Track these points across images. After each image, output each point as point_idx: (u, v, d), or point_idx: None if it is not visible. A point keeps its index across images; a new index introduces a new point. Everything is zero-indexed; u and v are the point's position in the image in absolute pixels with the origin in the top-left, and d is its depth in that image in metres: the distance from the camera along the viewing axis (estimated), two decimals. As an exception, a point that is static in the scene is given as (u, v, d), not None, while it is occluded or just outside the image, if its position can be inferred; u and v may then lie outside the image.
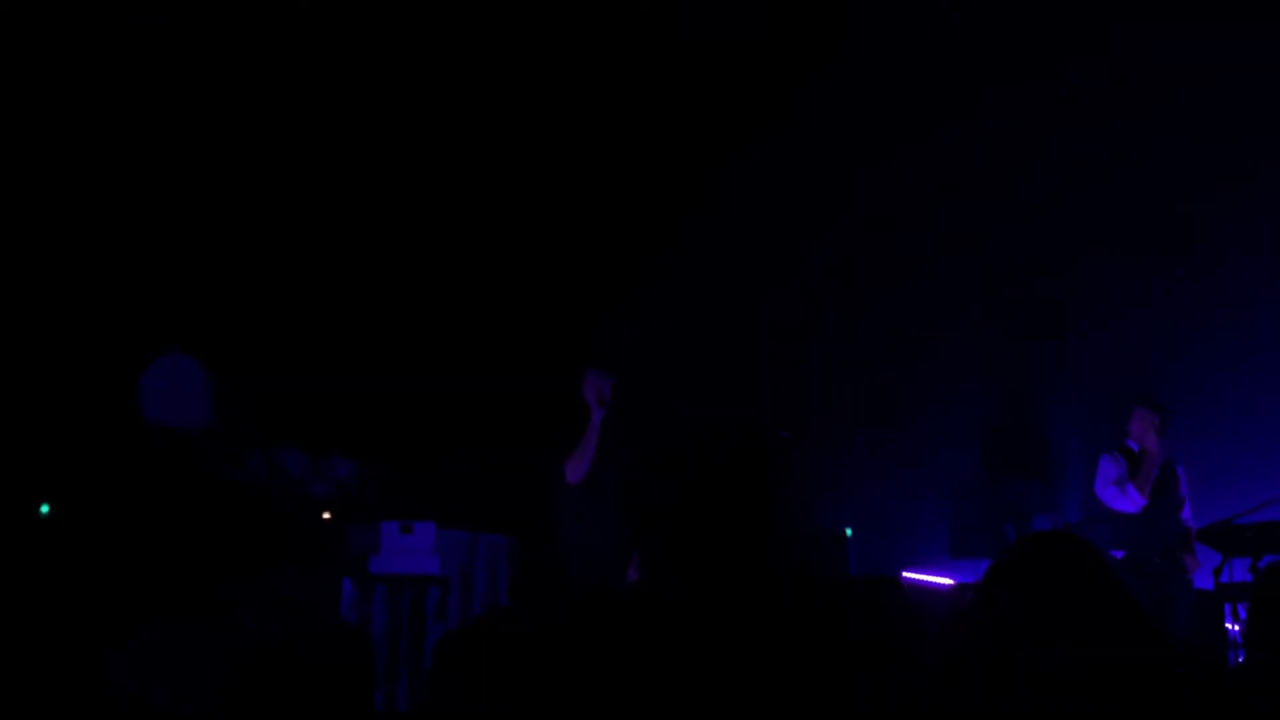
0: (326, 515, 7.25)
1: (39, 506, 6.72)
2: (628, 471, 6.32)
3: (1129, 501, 7.05)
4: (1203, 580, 7.19)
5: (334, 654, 2.89)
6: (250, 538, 7.66)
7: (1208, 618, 6.89)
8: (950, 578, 8.88)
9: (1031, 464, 9.68)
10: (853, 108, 9.39)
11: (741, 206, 9.67)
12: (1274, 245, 9.18)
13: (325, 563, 6.41)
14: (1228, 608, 6.93)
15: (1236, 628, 6.85)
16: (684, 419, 2.45)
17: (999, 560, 2.09)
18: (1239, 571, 6.94)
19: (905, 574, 8.80)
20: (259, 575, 6.38)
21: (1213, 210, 9.22)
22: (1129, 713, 1.88)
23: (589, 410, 6.69)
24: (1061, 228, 9.51)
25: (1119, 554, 7.11)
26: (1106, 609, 1.96)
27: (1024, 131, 9.38)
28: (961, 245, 9.74)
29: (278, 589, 6.34)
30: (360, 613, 6.34)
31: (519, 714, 2.61)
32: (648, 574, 2.31)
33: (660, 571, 2.29)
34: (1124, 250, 9.42)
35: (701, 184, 9.43)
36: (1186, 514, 7.22)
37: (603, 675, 2.20)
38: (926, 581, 8.83)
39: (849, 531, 8.53)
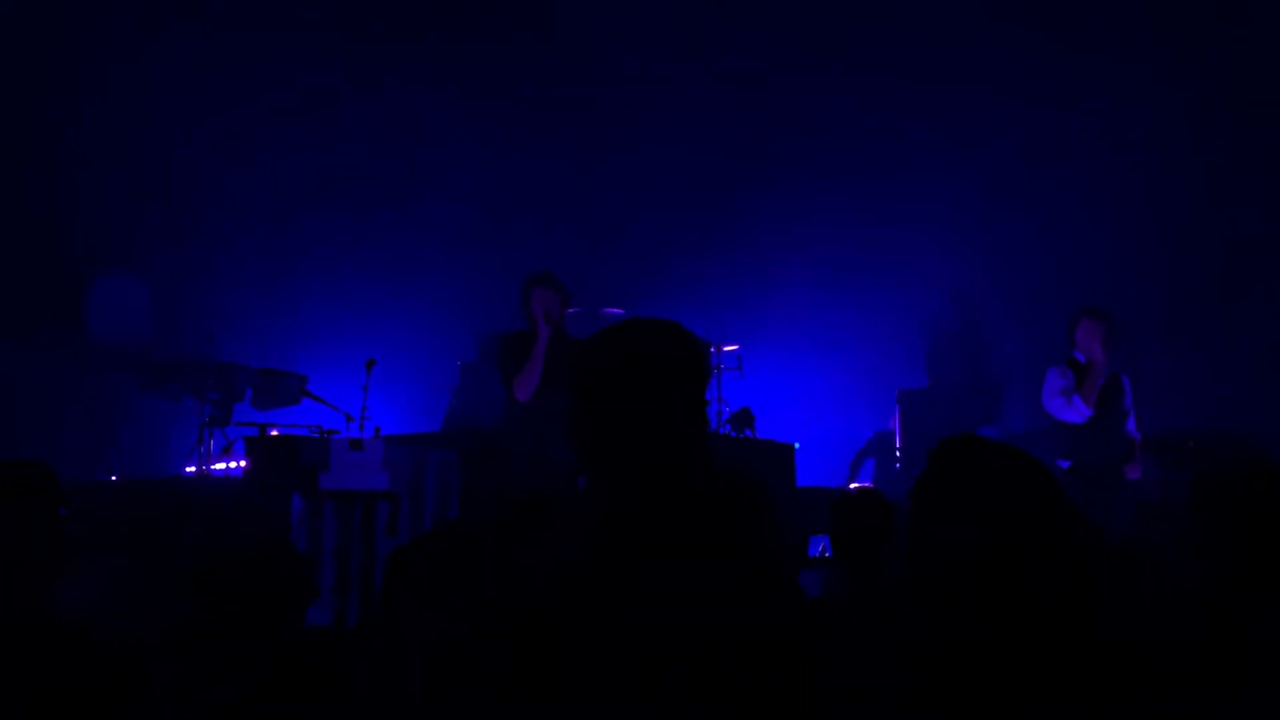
0: (275, 431, 7.20)
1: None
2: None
3: (1075, 412, 7.12)
4: (1146, 489, 7.30)
5: (267, 569, 2.88)
6: (192, 453, 7.61)
7: (1151, 525, 7.00)
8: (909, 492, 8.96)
9: (977, 374, 9.77)
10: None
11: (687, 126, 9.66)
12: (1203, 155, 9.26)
13: (274, 479, 6.36)
14: (1171, 515, 7.04)
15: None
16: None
17: (925, 468, 2.11)
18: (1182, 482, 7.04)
19: (852, 486, 8.89)
20: (200, 491, 6.35)
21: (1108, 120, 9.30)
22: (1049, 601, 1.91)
23: (536, 327, 6.66)
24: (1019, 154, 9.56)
25: (1065, 464, 7.20)
26: (1024, 503, 2.00)
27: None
28: (907, 173, 9.76)
29: (222, 505, 6.32)
30: (310, 528, 6.30)
31: (467, 626, 2.61)
32: (588, 468, 2.30)
33: (599, 462, 2.28)
34: (1058, 172, 9.47)
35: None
36: (1131, 425, 7.31)
37: (547, 578, 2.19)
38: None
39: (796, 445, 8.57)
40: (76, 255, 8.67)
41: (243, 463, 6.85)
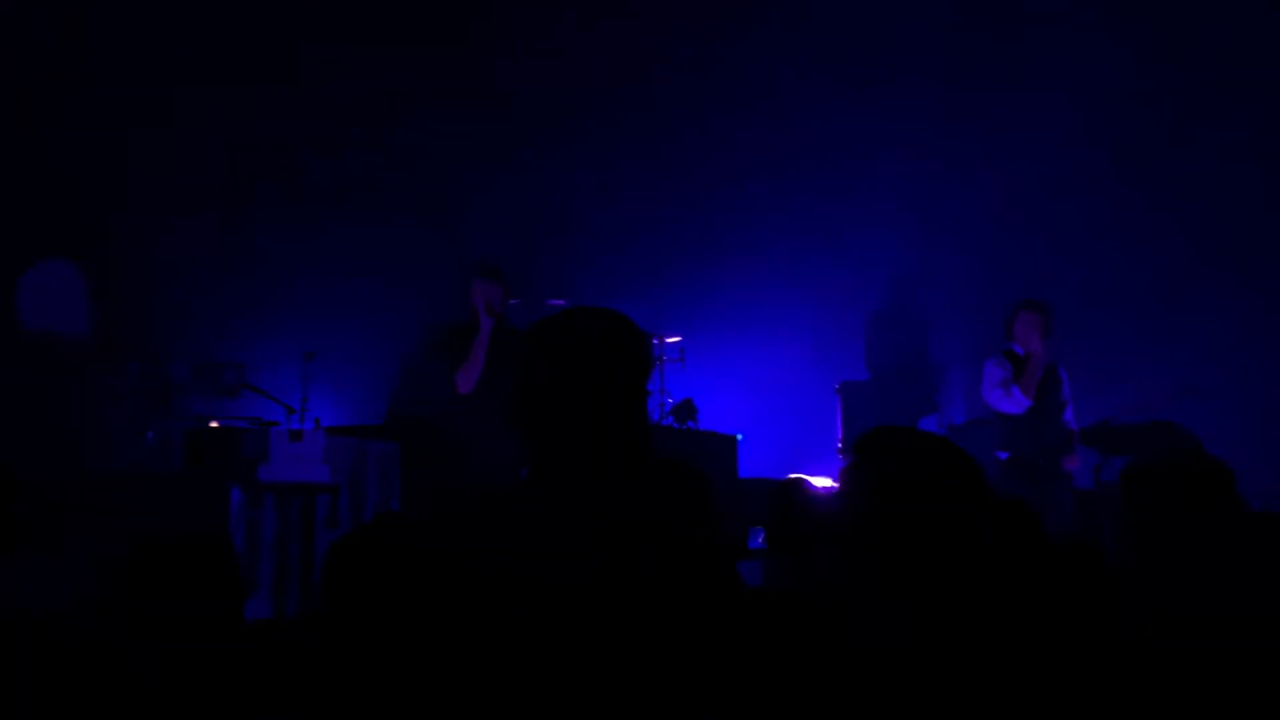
0: (214, 424, 7.14)
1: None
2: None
3: (1013, 403, 7.19)
4: (1083, 480, 7.39)
5: (198, 566, 2.85)
6: (130, 445, 7.51)
7: (1088, 515, 7.10)
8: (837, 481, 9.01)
9: (917, 367, 9.85)
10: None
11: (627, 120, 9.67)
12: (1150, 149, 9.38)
13: (212, 470, 6.31)
14: (1107, 505, 7.13)
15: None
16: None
17: (851, 456, 2.15)
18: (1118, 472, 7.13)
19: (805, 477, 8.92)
20: (140, 483, 6.27)
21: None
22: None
23: (478, 319, 6.64)
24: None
25: (1004, 455, 7.27)
26: (946, 491, 2.03)
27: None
28: (849, 164, 9.81)
29: (160, 497, 6.24)
30: (249, 522, 6.26)
31: (410, 618, 2.59)
32: (530, 458, 2.30)
33: (540, 452, 2.28)
34: (1000, 163, 9.56)
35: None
36: (1069, 415, 7.39)
37: (490, 570, 2.18)
38: (825, 488, 8.97)
39: (739, 436, 8.61)
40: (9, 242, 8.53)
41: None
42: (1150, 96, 9.22)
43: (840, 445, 9.42)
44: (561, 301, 8.44)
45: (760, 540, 7.08)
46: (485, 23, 9.69)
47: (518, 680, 2.04)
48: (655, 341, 8.56)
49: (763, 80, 9.77)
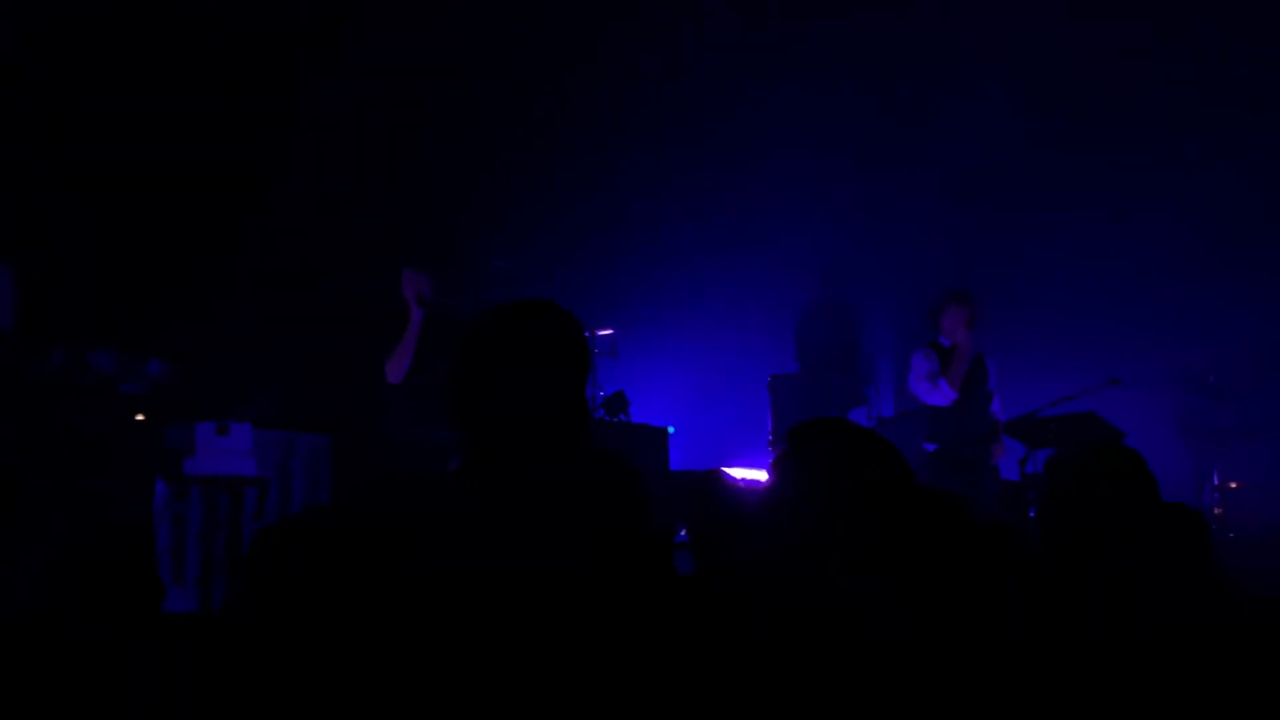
0: (140, 416, 7.04)
1: None
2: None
3: (941, 395, 7.26)
4: (1009, 471, 7.48)
5: (118, 559, 2.82)
6: (53, 438, 7.39)
7: (1013, 505, 7.19)
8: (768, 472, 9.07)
9: (846, 359, 9.92)
10: None
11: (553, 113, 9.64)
12: (1075, 153, 9.51)
13: (137, 464, 6.22)
14: (1031, 495, 7.23)
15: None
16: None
17: (781, 447, 2.18)
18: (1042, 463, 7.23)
19: (725, 469, 8.96)
20: (64, 477, 6.18)
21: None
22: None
23: (409, 309, 6.60)
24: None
25: (931, 446, 7.34)
26: (874, 480, 2.06)
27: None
28: (779, 156, 9.85)
29: (85, 491, 6.16)
30: (175, 515, 6.19)
31: (333, 607, 2.58)
32: (469, 452, 2.30)
33: (478, 442, 2.27)
34: (925, 155, 9.64)
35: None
36: (995, 407, 7.48)
37: (419, 565, 2.18)
38: (745, 479, 9.02)
39: (671, 429, 8.63)
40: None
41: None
42: (1081, 89, 9.34)
43: (770, 438, 9.47)
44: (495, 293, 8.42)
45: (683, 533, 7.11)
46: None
47: (447, 671, 2.04)
48: (587, 334, 8.54)
49: (691, 74, 9.78)
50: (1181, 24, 9.01)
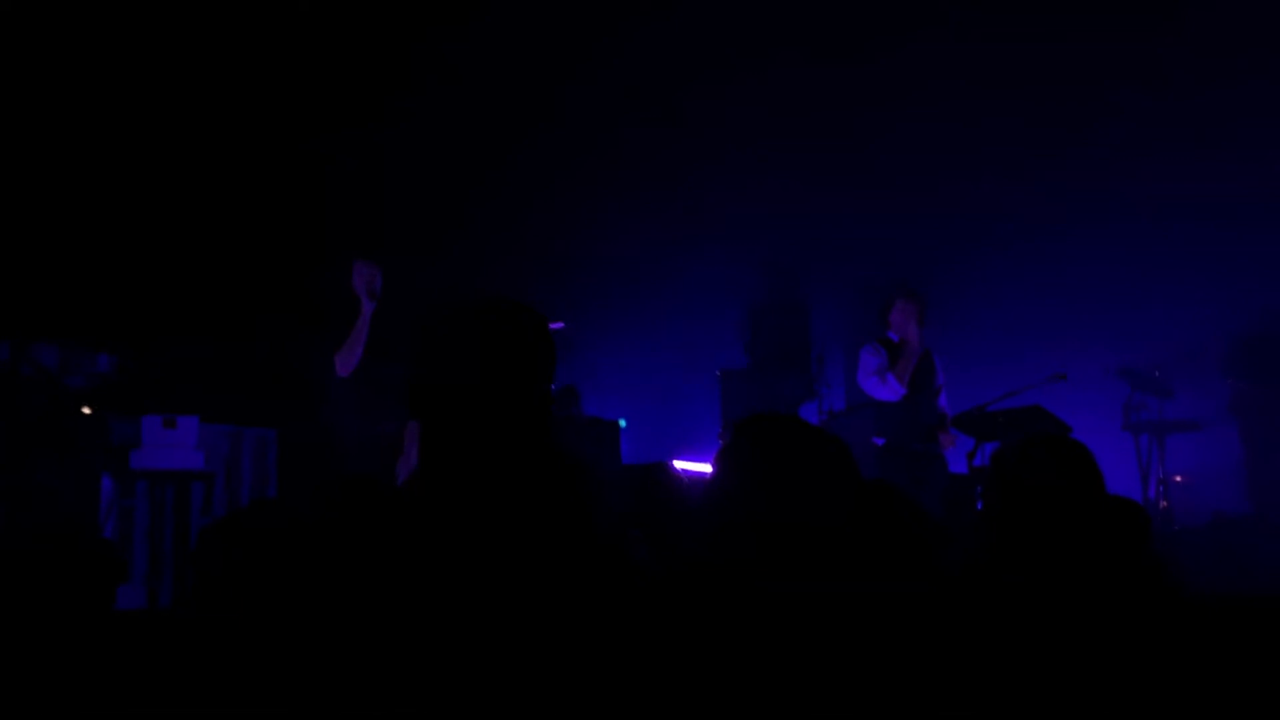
0: (86, 410, 6.96)
1: None
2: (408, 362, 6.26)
3: (889, 390, 7.31)
4: (958, 464, 7.54)
5: (69, 557, 2.80)
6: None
7: (962, 498, 7.24)
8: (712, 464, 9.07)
9: (797, 354, 9.95)
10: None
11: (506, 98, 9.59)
12: (1025, 143, 9.58)
13: (83, 458, 6.16)
14: (979, 489, 7.29)
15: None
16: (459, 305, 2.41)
17: (725, 443, 2.20)
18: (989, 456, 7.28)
19: (675, 462, 8.97)
20: (7, 470, 6.11)
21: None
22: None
23: (359, 302, 6.56)
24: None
25: (880, 441, 7.38)
26: (816, 475, 2.08)
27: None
28: (730, 147, 9.86)
29: (30, 485, 6.09)
30: (121, 509, 6.13)
31: (282, 605, 2.57)
32: (426, 453, 2.29)
33: (438, 450, 2.27)
34: (875, 148, 9.68)
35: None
36: (943, 401, 7.53)
37: (371, 564, 2.17)
38: (693, 471, 9.05)
39: (622, 422, 8.63)
40: None
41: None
42: (1031, 90, 9.42)
43: (720, 431, 9.49)
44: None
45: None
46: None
47: (391, 666, 2.04)
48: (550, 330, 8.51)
49: (645, 70, 9.77)
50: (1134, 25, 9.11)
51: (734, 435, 2.19)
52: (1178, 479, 9.68)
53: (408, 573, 2.10)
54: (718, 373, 9.61)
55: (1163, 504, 8.92)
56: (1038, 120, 9.48)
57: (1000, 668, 1.95)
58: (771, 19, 9.42)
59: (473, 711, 1.98)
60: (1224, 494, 9.57)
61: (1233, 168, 9.17)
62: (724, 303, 10.02)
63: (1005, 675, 1.95)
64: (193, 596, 2.86)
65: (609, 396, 9.56)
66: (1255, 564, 7.55)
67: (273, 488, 6.85)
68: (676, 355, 9.94)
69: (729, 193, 9.84)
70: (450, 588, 2.06)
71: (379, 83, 9.01)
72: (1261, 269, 9.40)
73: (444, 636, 2.01)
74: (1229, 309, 9.37)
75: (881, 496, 2.25)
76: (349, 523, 2.92)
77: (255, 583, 2.68)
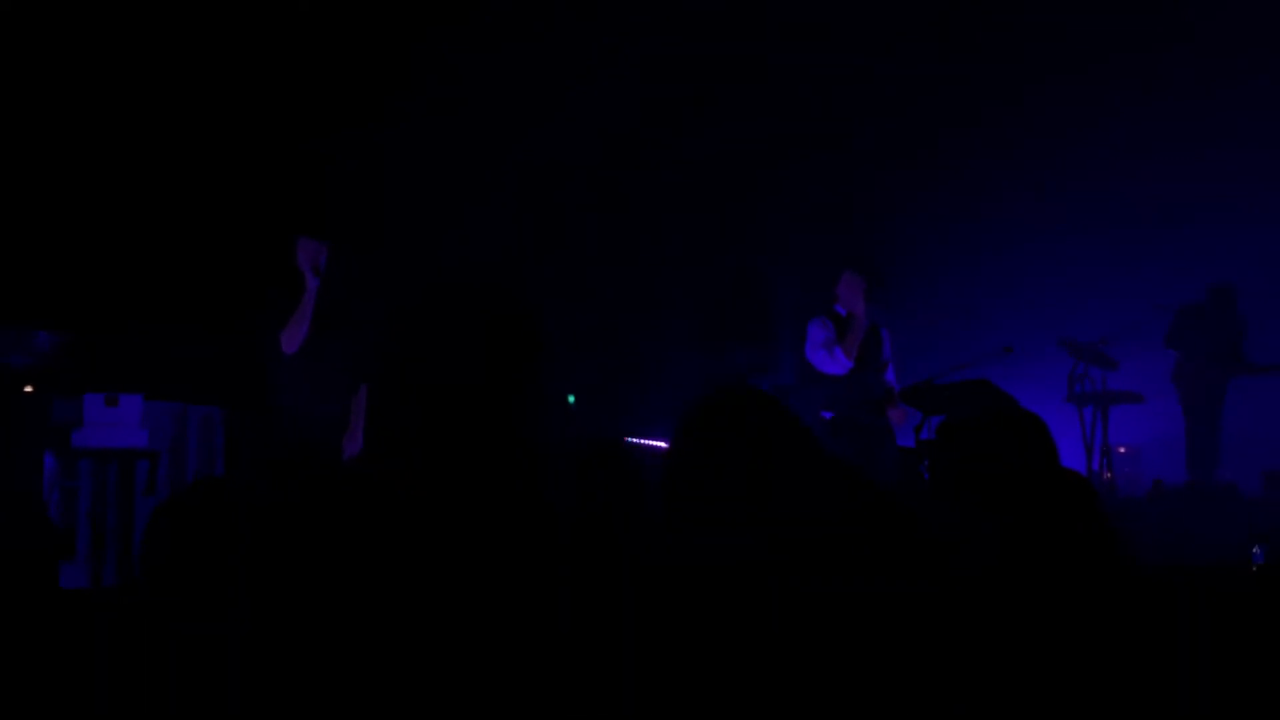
0: (28, 388, 6.86)
1: None
2: (358, 338, 6.20)
3: (836, 364, 7.33)
4: (905, 438, 7.59)
5: (12, 536, 2.76)
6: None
7: (909, 471, 7.29)
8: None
9: (749, 329, 9.97)
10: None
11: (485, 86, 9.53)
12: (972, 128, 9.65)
13: (24, 436, 6.07)
14: (926, 463, 7.34)
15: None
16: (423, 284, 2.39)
17: (684, 417, 2.19)
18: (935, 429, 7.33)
19: (627, 439, 8.97)
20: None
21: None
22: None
23: (303, 279, 6.49)
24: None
25: (828, 415, 7.41)
26: (782, 456, 2.08)
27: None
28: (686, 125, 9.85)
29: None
30: (63, 488, 6.06)
31: (234, 586, 2.54)
32: (384, 435, 2.28)
33: (401, 432, 2.26)
34: (831, 126, 9.72)
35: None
36: (890, 375, 7.57)
37: (327, 547, 2.16)
38: (647, 444, 9.04)
39: (571, 398, 8.61)
40: None
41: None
42: (984, 63, 9.47)
43: (676, 405, 9.47)
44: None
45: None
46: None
47: (338, 648, 2.02)
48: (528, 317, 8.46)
49: (641, 65, 9.74)
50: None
51: (689, 410, 2.18)
52: (1121, 450, 9.80)
53: (363, 551, 2.08)
54: (672, 347, 9.61)
55: (1106, 475, 9.02)
56: (990, 89, 9.54)
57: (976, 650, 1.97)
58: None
59: (431, 690, 1.97)
60: (1164, 464, 9.72)
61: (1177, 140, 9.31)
62: (680, 277, 10.03)
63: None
64: (141, 575, 2.83)
65: (557, 371, 9.53)
66: (1194, 534, 7.66)
67: (219, 465, 6.79)
68: (627, 329, 9.92)
69: (678, 167, 9.82)
70: (405, 566, 2.05)
71: (379, 83, 8.94)
72: (1204, 244, 9.55)
73: (399, 615, 2.00)
74: (1173, 280, 9.49)
75: (839, 471, 2.24)
76: (299, 501, 2.90)
77: (206, 562, 2.66)
